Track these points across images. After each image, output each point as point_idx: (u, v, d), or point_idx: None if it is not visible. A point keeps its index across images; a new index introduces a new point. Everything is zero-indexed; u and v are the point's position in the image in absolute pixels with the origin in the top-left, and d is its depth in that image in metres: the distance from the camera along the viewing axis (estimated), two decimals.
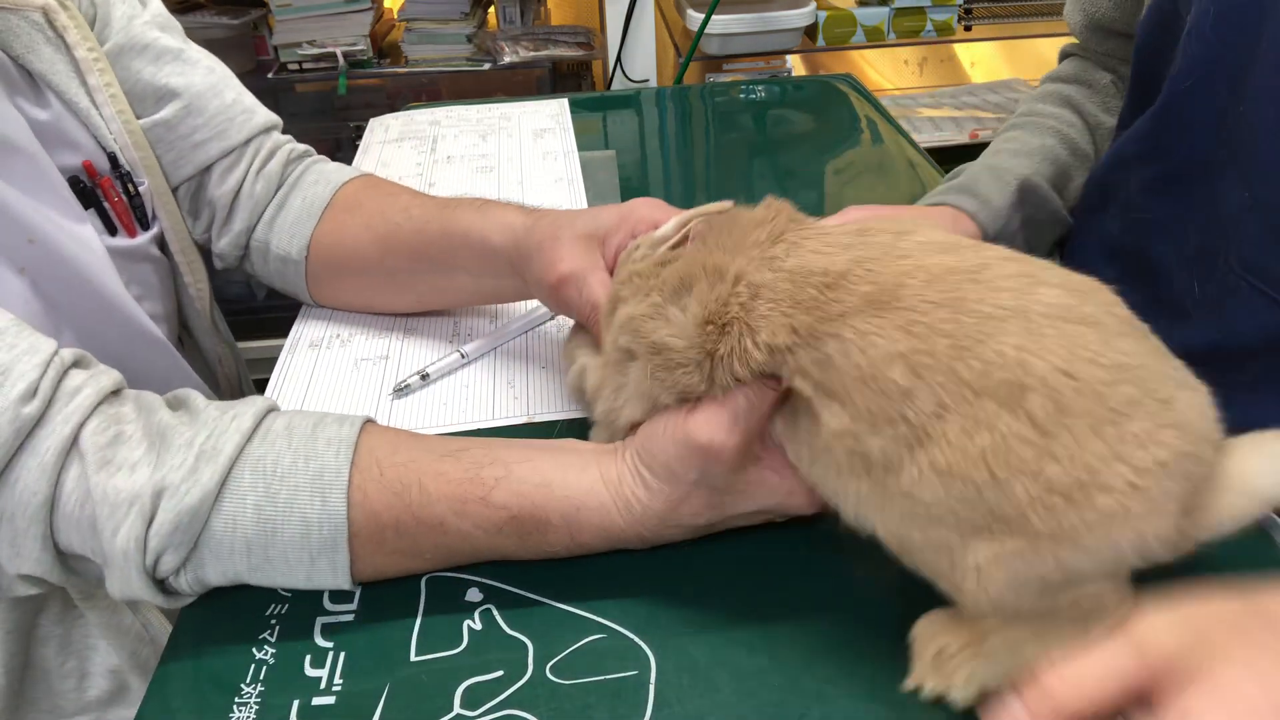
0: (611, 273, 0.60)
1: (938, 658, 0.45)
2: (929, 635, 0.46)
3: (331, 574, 0.53)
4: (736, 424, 0.49)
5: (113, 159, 0.72)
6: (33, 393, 0.50)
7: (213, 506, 0.51)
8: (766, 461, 0.52)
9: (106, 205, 0.71)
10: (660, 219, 0.59)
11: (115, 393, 0.54)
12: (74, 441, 0.50)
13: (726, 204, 0.56)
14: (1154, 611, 0.38)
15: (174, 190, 0.77)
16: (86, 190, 0.69)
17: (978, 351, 0.40)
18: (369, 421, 0.56)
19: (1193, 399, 0.40)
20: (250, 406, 0.54)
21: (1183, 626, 0.37)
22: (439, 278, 0.75)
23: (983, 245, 0.45)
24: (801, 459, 0.50)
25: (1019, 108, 0.87)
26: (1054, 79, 0.87)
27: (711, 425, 0.49)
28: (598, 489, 0.53)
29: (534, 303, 0.81)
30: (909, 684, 0.46)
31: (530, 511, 0.52)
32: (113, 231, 0.71)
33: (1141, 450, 0.38)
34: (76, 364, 0.54)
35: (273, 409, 0.56)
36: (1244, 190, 0.60)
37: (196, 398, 0.56)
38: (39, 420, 0.50)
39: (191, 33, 0.80)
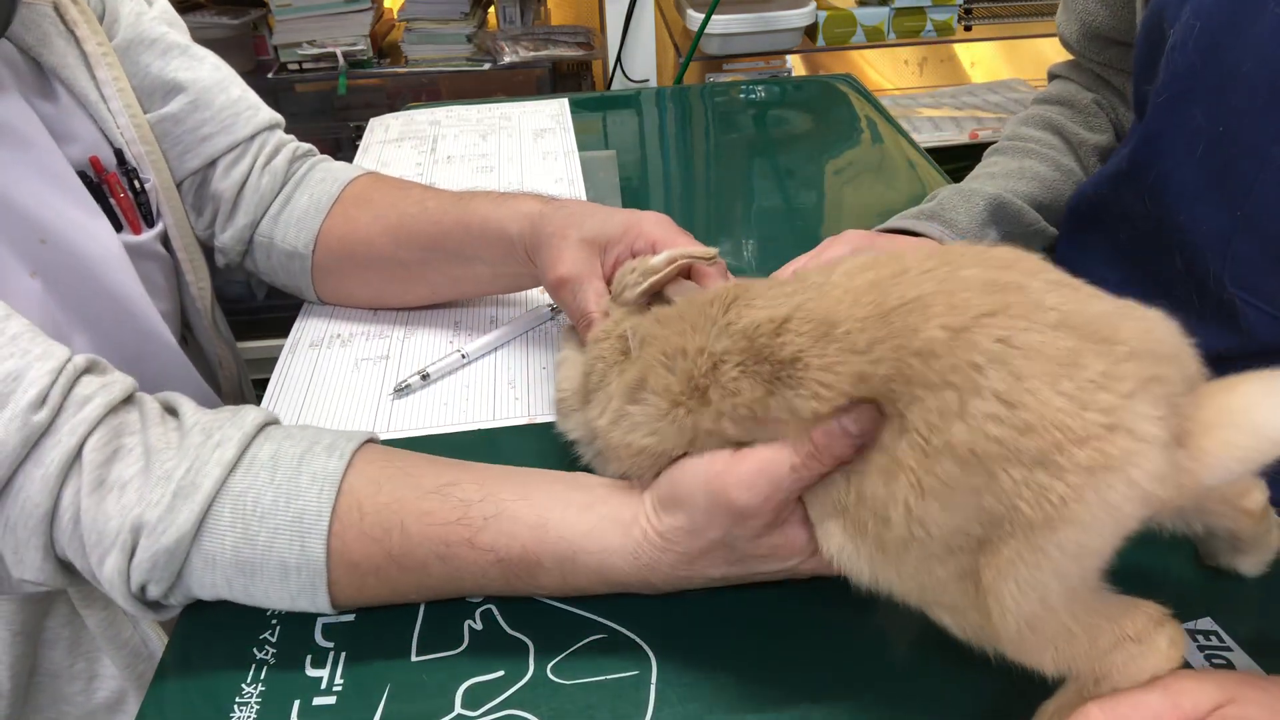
0: (608, 282, 0.62)
1: None
2: None
3: (313, 609, 0.53)
4: (776, 492, 0.45)
5: (119, 154, 0.71)
6: (42, 400, 0.50)
7: (191, 545, 0.50)
8: (798, 514, 0.47)
9: (112, 201, 0.70)
10: (662, 240, 0.61)
11: (125, 400, 0.53)
12: (78, 454, 0.50)
13: (712, 250, 0.59)
14: (1195, 675, 0.42)
15: (178, 185, 0.77)
16: (93, 185, 0.69)
17: (914, 346, 0.40)
18: (362, 446, 0.54)
19: (1140, 325, 0.40)
20: (237, 430, 0.52)
21: (1217, 690, 0.41)
22: (455, 267, 0.75)
23: (902, 253, 0.45)
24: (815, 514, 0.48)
25: (1004, 130, 0.90)
26: (1039, 101, 0.90)
27: (751, 490, 0.45)
28: (602, 530, 0.50)
29: (536, 302, 0.81)
30: None
31: (519, 555, 0.50)
32: (118, 228, 0.71)
33: (1103, 392, 0.37)
34: (89, 370, 0.53)
35: (267, 424, 0.54)
36: (1234, 211, 0.60)
37: (187, 406, 0.55)
38: (46, 429, 0.50)
39: (192, 33, 0.80)
